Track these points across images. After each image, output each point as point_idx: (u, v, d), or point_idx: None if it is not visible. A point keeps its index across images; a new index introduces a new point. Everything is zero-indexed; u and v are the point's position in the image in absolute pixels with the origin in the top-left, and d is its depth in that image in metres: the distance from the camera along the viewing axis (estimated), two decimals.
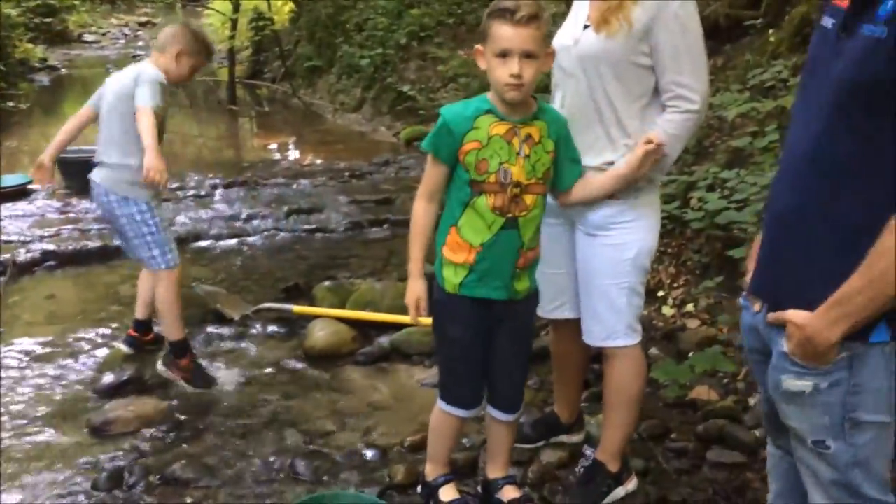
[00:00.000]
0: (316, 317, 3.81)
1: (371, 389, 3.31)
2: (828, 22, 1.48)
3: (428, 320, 2.27)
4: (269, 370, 3.45)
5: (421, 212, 2.18)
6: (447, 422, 2.38)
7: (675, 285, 3.89)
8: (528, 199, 2.09)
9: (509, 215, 2.08)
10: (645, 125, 2.23)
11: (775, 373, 1.55)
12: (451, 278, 2.16)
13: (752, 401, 3.00)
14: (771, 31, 4.73)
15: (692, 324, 3.60)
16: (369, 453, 2.82)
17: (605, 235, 2.30)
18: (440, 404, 2.37)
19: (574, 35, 2.29)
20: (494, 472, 2.47)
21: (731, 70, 4.67)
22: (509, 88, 1.99)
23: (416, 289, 2.18)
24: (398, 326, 3.61)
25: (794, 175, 1.51)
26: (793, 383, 1.50)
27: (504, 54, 1.96)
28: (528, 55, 1.95)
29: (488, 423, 2.44)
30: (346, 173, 6.54)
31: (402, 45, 8.75)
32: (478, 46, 2.06)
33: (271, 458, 2.79)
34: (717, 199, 3.46)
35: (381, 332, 3.69)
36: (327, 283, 4.19)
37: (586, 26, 2.27)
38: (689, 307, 3.70)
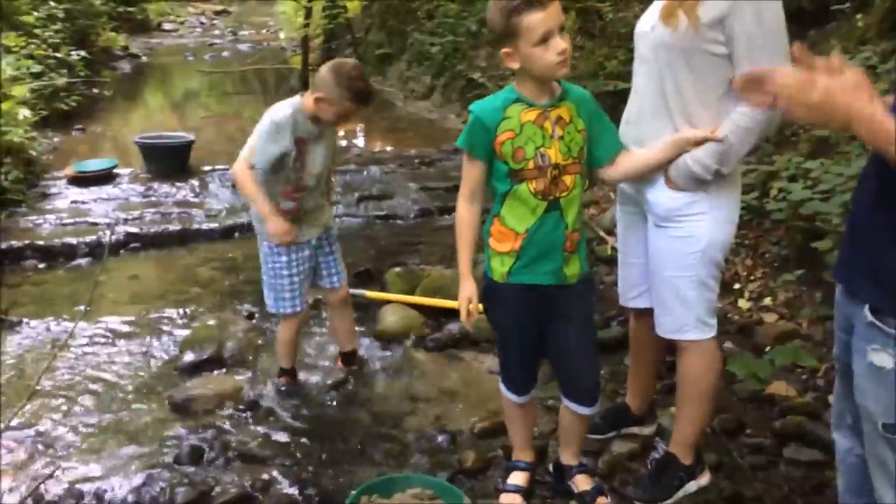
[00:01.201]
0: (387, 302, 3.86)
1: (441, 375, 3.34)
2: None
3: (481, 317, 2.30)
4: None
5: (464, 213, 2.20)
6: (508, 405, 2.45)
7: (752, 278, 3.79)
8: (568, 179, 2.10)
9: (551, 198, 2.09)
10: (718, 119, 2.17)
11: (861, 343, 1.56)
12: (499, 268, 2.18)
13: (832, 398, 2.90)
14: (859, 16, 4.53)
15: (769, 318, 3.51)
16: (439, 438, 2.86)
17: (672, 227, 2.26)
18: (500, 387, 2.43)
19: (651, 21, 2.25)
20: (568, 458, 2.49)
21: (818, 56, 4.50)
22: (561, 65, 2.00)
23: (466, 290, 2.19)
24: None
25: (880, 161, 1.48)
26: (878, 356, 1.52)
27: (545, 38, 1.96)
28: (561, 28, 1.98)
29: (562, 414, 2.43)
30: (416, 160, 6.57)
31: (473, 32, 8.71)
32: (505, 50, 2.03)
33: (344, 439, 2.85)
34: (800, 190, 3.34)
35: (451, 319, 3.72)
36: (397, 269, 4.24)
37: (660, 17, 2.22)
38: (767, 300, 3.60)
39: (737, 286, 3.77)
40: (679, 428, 2.48)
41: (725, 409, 2.88)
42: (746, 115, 2.11)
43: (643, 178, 2.28)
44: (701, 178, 2.18)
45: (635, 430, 2.78)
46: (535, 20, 1.94)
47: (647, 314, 2.52)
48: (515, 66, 2.05)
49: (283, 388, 3.16)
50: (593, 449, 2.72)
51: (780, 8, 2.10)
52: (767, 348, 3.23)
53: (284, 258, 2.91)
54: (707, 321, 2.32)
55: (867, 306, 1.53)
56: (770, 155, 3.96)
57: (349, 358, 3.33)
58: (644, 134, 2.26)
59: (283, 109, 2.75)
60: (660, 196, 2.25)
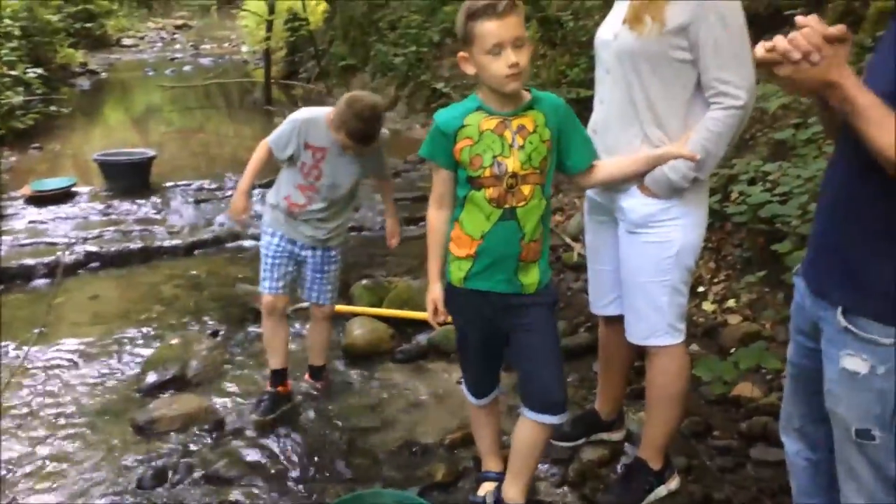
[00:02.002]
0: (354, 315, 3.83)
1: (410, 387, 3.32)
2: None
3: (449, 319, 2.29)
4: None
5: (432, 218, 2.23)
6: (470, 408, 2.48)
7: (716, 280, 3.83)
8: (525, 189, 2.08)
9: (506, 206, 2.08)
10: (688, 122, 2.19)
11: (832, 348, 1.54)
12: (456, 272, 2.19)
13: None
14: None
15: (733, 319, 3.54)
16: (409, 451, 2.83)
17: (646, 233, 2.27)
18: (462, 389, 2.45)
19: (614, 30, 2.26)
20: (493, 465, 2.49)
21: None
22: (511, 79, 1.97)
23: (433, 292, 2.23)
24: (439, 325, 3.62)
25: (846, 165, 1.48)
26: (852, 361, 1.49)
27: (497, 49, 1.95)
28: (518, 43, 1.96)
29: (519, 427, 2.28)
30: None
31: (436, 42, 8.74)
32: (461, 53, 2.04)
33: (313, 457, 2.81)
34: (759, 193, 3.39)
35: (419, 331, 3.71)
36: (364, 281, 4.21)
37: (625, 21, 2.24)
38: (731, 302, 3.64)
39: (701, 289, 3.80)
40: (648, 433, 2.48)
41: (692, 411, 2.89)
42: (719, 120, 2.13)
43: (616, 185, 2.28)
44: (679, 187, 2.19)
45: (604, 436, 2.78)
46: (488, 28, 1.94)
47: (617, 321, 2.52)
48: (470, 71, 2.04)
49: (264, 399, 3.07)
50: (563, 457, 2.72)
51: (742, 12, 2.13)
52: (732, 350, 3.26)
53: (268, 238, 3.02)
54: (677, 326, 2.33)
55: (839, 309, 1.50)
56: (730, 159, 4.01)
57: (316, 372, 3.30)
58: (613, 143, 2.26)
59: (306, 111, 2.92)
60: (634, 203, 2.26)
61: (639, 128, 2.22)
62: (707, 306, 3.68)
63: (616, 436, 2.79)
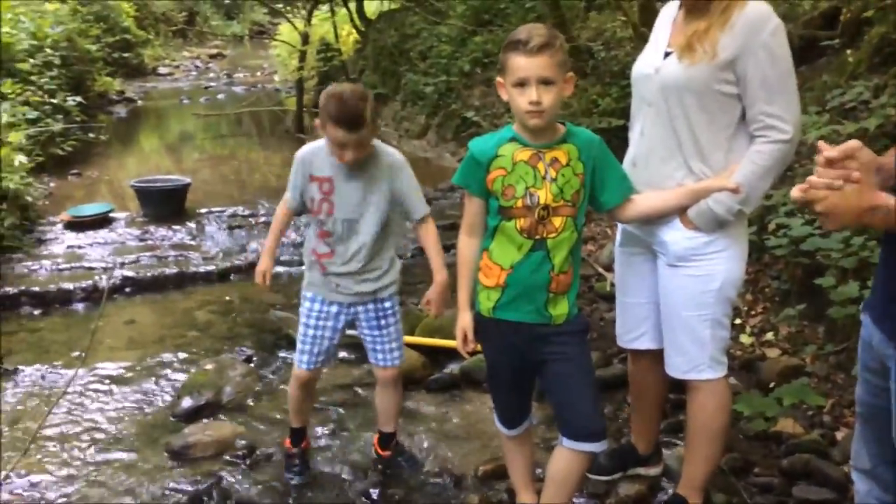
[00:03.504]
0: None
1: (442, 417, 3.30)
2: None
3: (478, 347, 2.29)
4: (341, 395, 3.47)
5: (462, 246, 2.25)
6: (503, 439, 2.46)
7: (753, 313, 3.77)
8: (557, 221, 2.09)
9: (537, 237, 2.09)
10: (731, 156, 2.18)
11: None
12: (485, 301, 2.19)
13: (839, 435, 2.88)
14: (849, 51, 4.59)
15: (772, 353, 3.49)
16: (443, 481, 2.81)
17: (688, 266, 2.25)
18: (494, 420, 2.43)
19: (654, 63, 2.26)
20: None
21: (808, 91, 4.55)
22: (530, 116, 2.02)
23: (462, 320, 2.23)
24: (470, 354, 3.60)
25: None
26: None
27: (522, 83, 2.00)
28: (544, 82, 1.99)
29: (556, 458, 2.26)
30: None
31: (466, 71, 8.81)
32: (498, 79, 2.09)
33: (345, 484, 2.80)
34: (800, 226, 3.35)
35: (451, 359, 3.69)
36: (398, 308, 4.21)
37: (667, 54, 2.24)
38: (769, 336, 3.59)
39: (738, 321, 3.75)
40: (688, 469, 2.44)
41: (732, 447, 2.84)
42: (765, 153, 2.12)
43: (656, 219, 2.27)
44: (723, 220, 2.18)
45: (641, 470, 2.74)
46: (517, 62, 1.99)
47: (647, 355, 2.50)
48: (504, 97, 2.09)
49: (295, 464, 2.87)
50: (598, 491, 2.68)
51: (789, 48, 2.13)
52: (772, 384, 3.21)
53: (307, 304, 2.68)
54: (720, 360, 2.30)
55: None
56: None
57: (384, 439, 2.91)
58: (654, 176, 2.26)
59: (306, 146, 2.64)
60: (676, 236, 2.24)
61: (682, 160, 2.22)
62: (745, 339, 3.63)
63: (653, 471, 2.74)
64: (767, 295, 3.81)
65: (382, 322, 2.69)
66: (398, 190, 2.57)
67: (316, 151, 2.57)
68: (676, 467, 2.68)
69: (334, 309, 2.65)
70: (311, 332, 2.67)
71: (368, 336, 2.71)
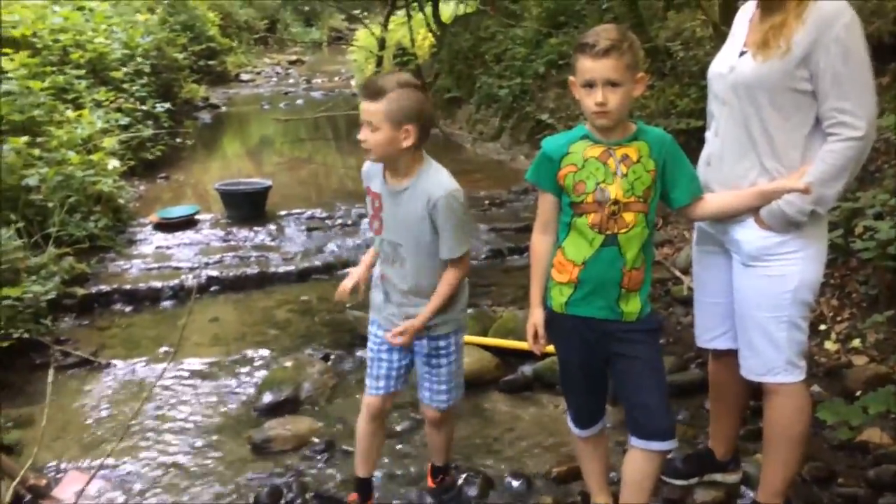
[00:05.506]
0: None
1: (515, 418, 3.31)
2: None
3: (550, 348, 2.30)
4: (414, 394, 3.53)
5: (536, 243, 2.27)
6: (575, 441, 2.45)
7: (839, 319, 3.64)
8: (628, 216, 2.09)
9: (608, 233, 2.10)
10: (808, 155, 2.14)
11: None
12: (557, 297, 2.20)
13: None
14: None
15: (859, 360, 3.36)
16: (515, 482, 2.82)
17: (761, 266, 2.21)
18: (567, 421, 2.43)
19: (729, 62, 2.25)
20: None
21: None
22: (597, 116, 2.06)
23: (533, 317, 2.26)
24: (541, 355, 3.60)
25: None
26: None
27: (589, 84, 2.03)
28: (611, 83, 2.01)
29: (628, 460, 2.25)
30: (486, 202, 6.61)
31: (541, 74, 8.77)
32: (571, 78, 2.12)
33: (418, 481, 2.85)
34: (888, 228, 3.22)
35: (524, 361, 3.70)
36: (470, 310, 4.24)
37: (742, 53, 2.22)
38: (855, 342, 3.46)
39: (823, 327, 3.63)
40: (766, 475, 2.39)
41: (815, 456, 2.76)
42: (836, 152, 2.07)
43: (729, 217, 2.24)
44: (795, 221, 2.13)
45: (719, 476, 2.69)
46: (584, 64, 2.04)
47: (727, 356, 2.46)
48: (577, 96, 2.11)
49: None
50: (674, 496, 2.65)
51: (864, 43, 2.07)
52: (858, 393, 3.10)
53: (371, 328, 2.54)
54: (797, 363, 2.25)
55: None
56: (854, 191, 3.83)
57: (437, 471, 2.75)
58: (728, 175, 2.24)
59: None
60: (749, 235, 2.21)
61: (755, 160, 2.19)
62: (829, 346, 3.51)
63: (732, 477, 2.69)
64: (854, 300, 3.67)
65: (434, 361, 2.46)
66: (433, 218, 2.28)
67: (375, 166, 2.40)
68: (756, 474, 2.61)
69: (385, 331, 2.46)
70: (373, 355, 2.52)
71: (420, 370, 2.52)
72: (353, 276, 2.57)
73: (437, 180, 2.30)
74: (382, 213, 2.37)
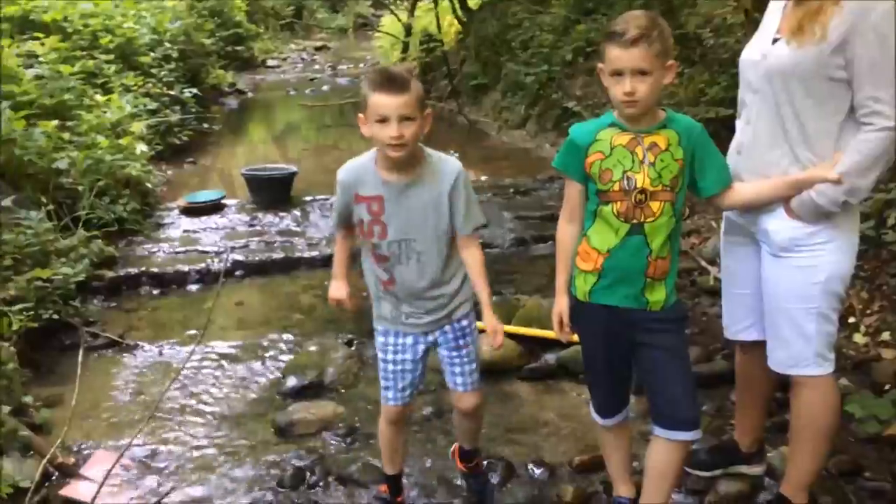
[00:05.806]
0: (482, 331, 3.85)
1: (537, 406, 3.31)
2: None
3: (576, 337, 2.30)
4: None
5: (561, 231, 2.26)
6: (599, 430, 2.44)
7: (869, 311, 3.59)
8: (654, 205, 2.07)
9: (634, 221, 2.08)
10: (841, 144, 2.10)
11: None
12: (582, 285, 2.19)
13: None
14: None
15: (888, 354, 3.31)
16: (537, 471, 2.83)
17: (791, 257, 2.19)
18: (590, 410, 2.42)
19: (762, 49, 2.21)
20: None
21: None
22: (625, 105, 2.03)
23: (558, 305, 2.26)
24: (565, 344, 3.59)
25: None
26: None
27: (618, 73, 2.01)
28: (640, 72, 1.99)
29: (652, 449, 2.24)
30: (511, 189, 6.58)
31: (568, 61, 8.70)
32: (599, 65, 2.10)
33: (439, 468, 2.86)
34: None
35: (548, 349, 3.69)
36: (493, 298, 4.23)
37: (776, 40, 2.19)
38: (885, 335, 3.41)
39: (852, 320, 3.58)
40: (792, 468, 2.37)
41: (842, 449, 2.73)
42: (870, 142, 2.03)
43: (759, 207, 2.21)
44: (826, 212, 2.10)
45: (744, 468, 2.67)
46: (613, 53, 2.01)
47: (754, 347, 2.43)
48: (605, 83, 2.09)
49: (378, 498, 2.70)
50: (698, 487, 2.64)
51: None
52: (887, 386, 3.06)
53: (380, 339, 2.43)
54: (826, 356, 2.22)
55: None
56: (886, 182, 3.76)
57: (464, 454, 2.68)
58: (759, 164, 2.21)
59: (347, 163, 2.34)
60: (779, 225, 2.19)
61: (787, 148, 2.16)
62: (858, 338, 3.46)
63: (756, 469, 2.67)
64: (885, 293, 3.61)
65: (461, 342, 2.41)
66: (452, 197, 2.25)
67: (362, 168, 2.28)
68: (781, 467, 2.60)
69: (409, 340, 2.38)
70: (390, 367, 2.42)
71: (447, 357, 2.43)
72: (342, 287, 2.47)
73: (443, 160, 2.28)
74: (384, 215, 2.24)
